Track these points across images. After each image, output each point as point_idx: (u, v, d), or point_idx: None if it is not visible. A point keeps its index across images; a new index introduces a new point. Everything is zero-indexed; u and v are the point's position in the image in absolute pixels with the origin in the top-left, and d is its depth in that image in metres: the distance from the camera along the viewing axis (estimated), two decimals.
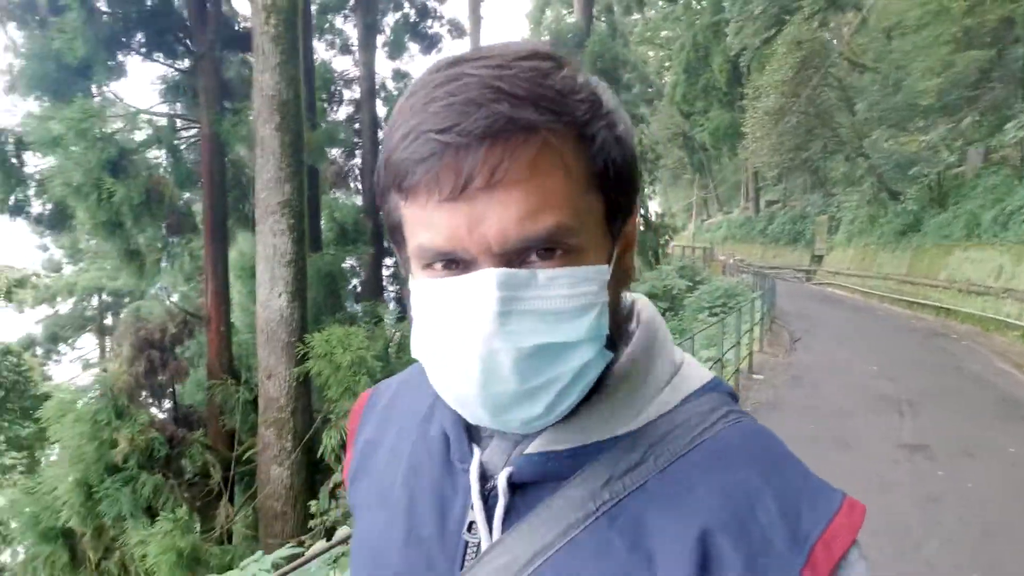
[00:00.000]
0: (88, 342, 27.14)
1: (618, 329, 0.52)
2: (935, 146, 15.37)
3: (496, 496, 0.51)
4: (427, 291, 0.46)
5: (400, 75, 15.13)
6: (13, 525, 7.15)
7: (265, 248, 7.32)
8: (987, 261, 12.10)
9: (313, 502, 6.13)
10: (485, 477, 0.52)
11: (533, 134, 0.42)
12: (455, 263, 0.45)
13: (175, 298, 9.90)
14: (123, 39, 7.08)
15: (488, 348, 0.43)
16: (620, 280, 0.51)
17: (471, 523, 0.52)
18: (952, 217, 14.16)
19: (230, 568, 4.62)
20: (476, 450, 0.53)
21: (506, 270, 0.43)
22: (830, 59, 19.08)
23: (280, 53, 7.31)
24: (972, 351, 9.97)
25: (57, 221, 7.00)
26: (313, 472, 7.01)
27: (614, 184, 0.47)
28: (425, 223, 0.44)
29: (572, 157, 0.44)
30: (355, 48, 14.40)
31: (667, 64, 38.38)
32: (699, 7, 30.75)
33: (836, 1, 18.79)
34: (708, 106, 33.86)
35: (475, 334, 0.43)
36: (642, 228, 21.42)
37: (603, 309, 0.46)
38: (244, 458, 8.24)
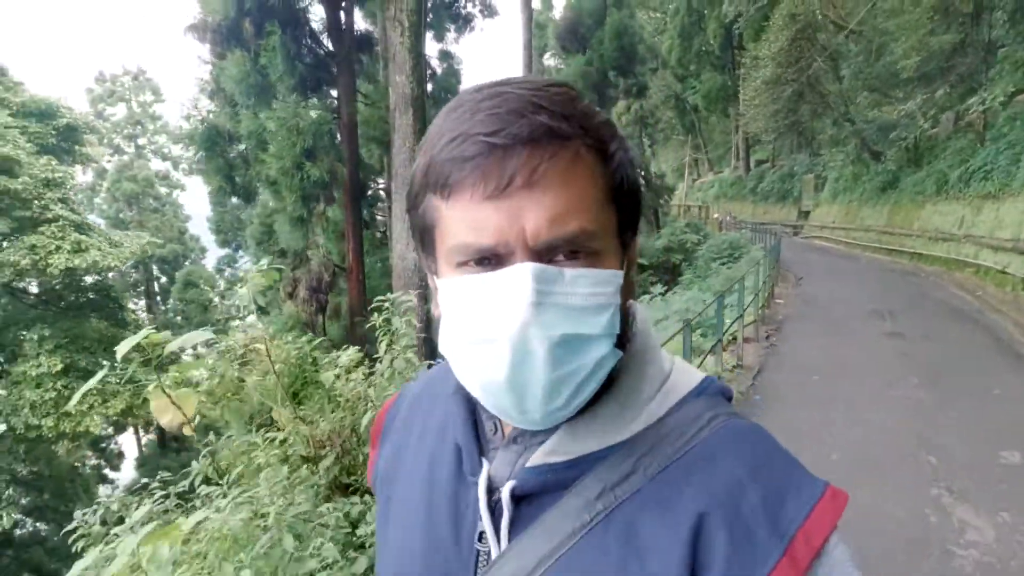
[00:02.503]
0: (131, 306, 28.98)
1: (624, 334, 0.55)
2: (912, 113, 17.33)
3: (503, 507, 0.54)
4: (462, 286, 0.50)
5: (445, 55, 16.76)
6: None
7: (402, 212, 9.48)
8: (952, 213, 13.59)
9: None
10: (492, 489, 0.56)
11: (568, 144, 0.48)
12: (489, 260, 0.48)
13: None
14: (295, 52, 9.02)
15: (523, 335, 0.46)
16: (626, 291, 0.54)
17: (481, 533, 0.55)
18: (926, 175, 15.50)
19: None
20: (485, 463, 0.57)
21: (540, 265, 0.47)
22: (821, 30, 20.42)
23: (412, 59, 9.31)
24: (937, 284, 12.46)
25: (250, 196, 9.12)
26: None
27: (626, 200, 0.52)
28: (467, 220, 0.48)
29: (597, 170, 0.50)
30: None
31: (659, 28, 39.31)
32: None
33: None
34: (701, 69, 34.66)
35: (512, 321, 0.46)
36: (643, 187, 23.21)
37: (616, 310, 0.50)
38: None
